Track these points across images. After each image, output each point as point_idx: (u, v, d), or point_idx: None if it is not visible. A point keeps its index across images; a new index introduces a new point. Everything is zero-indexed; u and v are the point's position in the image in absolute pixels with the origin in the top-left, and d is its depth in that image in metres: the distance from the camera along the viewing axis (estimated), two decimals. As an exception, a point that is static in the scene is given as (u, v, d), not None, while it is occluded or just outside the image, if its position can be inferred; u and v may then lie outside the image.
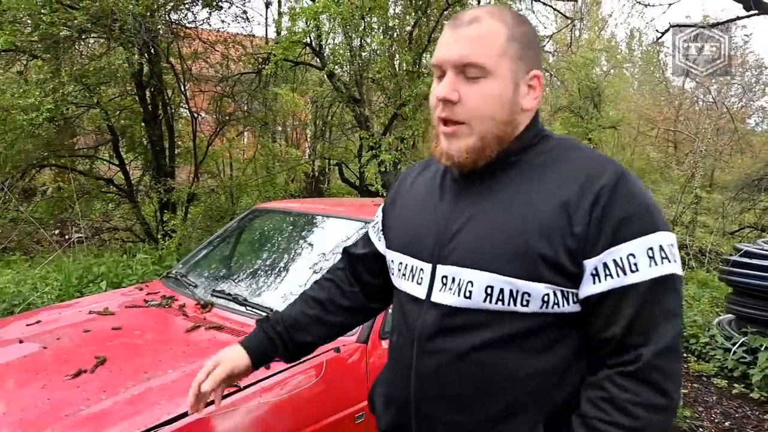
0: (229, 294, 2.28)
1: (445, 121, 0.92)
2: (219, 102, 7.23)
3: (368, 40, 6.96)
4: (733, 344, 4.13)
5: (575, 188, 0.86)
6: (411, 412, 0.97)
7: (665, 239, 0.84)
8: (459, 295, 0.89)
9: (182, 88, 6.85)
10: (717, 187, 10.97)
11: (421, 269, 0.97)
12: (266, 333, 1.18)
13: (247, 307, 2.16)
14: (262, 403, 1.57)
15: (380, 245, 1.17)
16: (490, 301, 0.87)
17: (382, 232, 1.17)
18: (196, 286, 2.44)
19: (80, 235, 7.90)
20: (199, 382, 1.10)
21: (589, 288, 0.85)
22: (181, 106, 7.17)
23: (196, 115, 6.99)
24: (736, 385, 3.87)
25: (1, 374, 1.72)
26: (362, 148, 6.88)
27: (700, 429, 3.27)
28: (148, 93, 6.45)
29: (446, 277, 0.92)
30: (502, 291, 0.86)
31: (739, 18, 5.53)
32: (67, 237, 8.43)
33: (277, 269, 2.56)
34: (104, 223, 7.66)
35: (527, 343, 0.87)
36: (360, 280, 1.22)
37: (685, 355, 4.57)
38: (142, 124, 6.73)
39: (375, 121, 6.99)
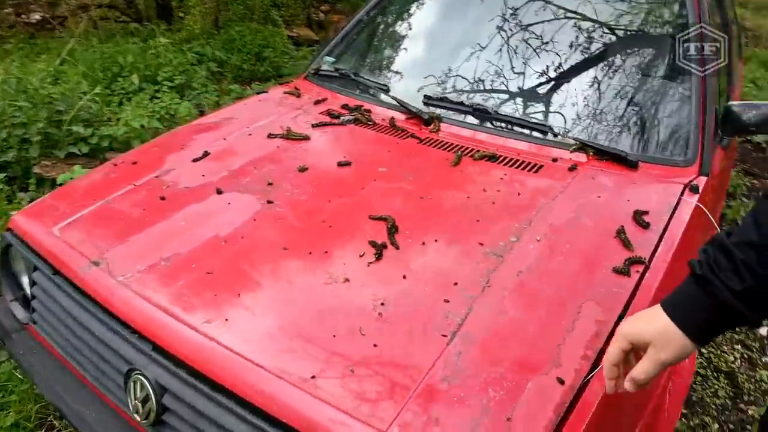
0: (461, 103, 1.56)
1: None
2: None
3: None
4: None
5: None
6: None
7: None
8: None
9: None
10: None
11: None
12: (722, 300, 0.62)
13: (514, 126, 1.48)
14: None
15: None
16: None
17: None
18: (387, 90, 1.70)
19: (42, 13, 6.44)
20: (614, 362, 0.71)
21: None
22: None
23: None
24: None
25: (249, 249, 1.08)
26: None
27: None
28: None
29: None
30: None
31: None
32: (24, 18, 6.92)
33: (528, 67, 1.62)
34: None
35: None
36: None
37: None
38: None
39: None
